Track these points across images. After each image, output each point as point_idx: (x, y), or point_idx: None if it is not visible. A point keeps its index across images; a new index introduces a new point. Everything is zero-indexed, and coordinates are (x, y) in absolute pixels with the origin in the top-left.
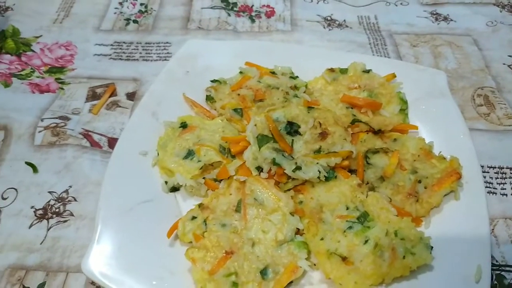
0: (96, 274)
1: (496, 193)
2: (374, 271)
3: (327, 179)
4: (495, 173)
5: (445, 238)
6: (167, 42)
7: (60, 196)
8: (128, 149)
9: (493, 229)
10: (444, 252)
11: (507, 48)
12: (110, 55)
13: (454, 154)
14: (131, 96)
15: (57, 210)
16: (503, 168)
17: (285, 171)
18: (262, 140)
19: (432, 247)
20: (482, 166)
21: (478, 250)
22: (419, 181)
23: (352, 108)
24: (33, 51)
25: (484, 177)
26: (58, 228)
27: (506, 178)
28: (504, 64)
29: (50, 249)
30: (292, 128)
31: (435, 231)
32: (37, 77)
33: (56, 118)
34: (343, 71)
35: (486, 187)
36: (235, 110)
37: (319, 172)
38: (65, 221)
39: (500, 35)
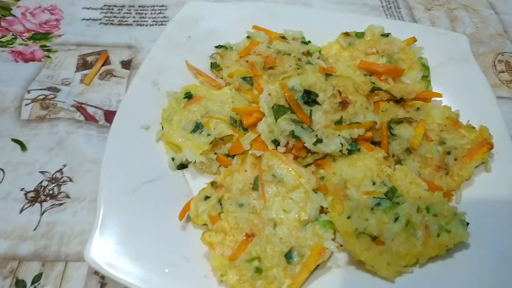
0: (101, 263)
1: None
2: (407, 250)
3: (349, 152)
4: None
5: (478, 213)
6: (162, 5)
7: (54, 176)
8: (128, 122)
9: None
10: (478, 228)
11: None
12: (100, 19)
13: (481, 123)
14: (126, 64)
15: (50, 192)
16: None
17: (304, 144)
18: (278, 110)
19: (468, 223)
20: (510, 136)
21: None
22: (448, 153)
23: (370, 75)
24: (13, 15)
25: None
26: (53, 212)
27: None
28: None
29: (45, 236)
30: (310, 97)
31: (467, 205)
32: (20, 44)
33: (44, 89)
34: (360, 35)
35: None
36: (244, 78)
37: (341, 144)
38: (60, 204)
39: None
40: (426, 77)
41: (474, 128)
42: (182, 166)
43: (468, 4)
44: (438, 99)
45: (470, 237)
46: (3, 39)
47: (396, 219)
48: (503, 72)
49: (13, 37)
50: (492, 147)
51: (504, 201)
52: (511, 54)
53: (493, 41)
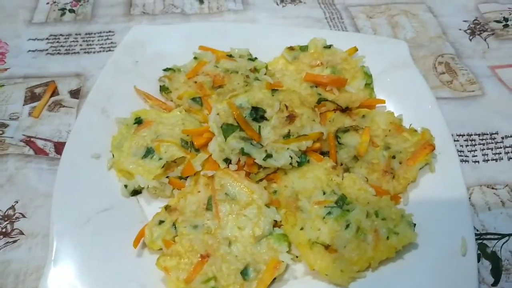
0: None
1: (468, 161)
2: (359, 256)
3: (299, 164)
4: (464, 141)
5: (425, 213)
6: (109, 31)
7: (6, 213)
8: (78, 153)
9: (469, 198)
10: (426, 228)
11: (462, 13)
12: (46, 50)
13: (424, 125)
14: (75, 93)
15: (3, 230)
16: (472, 135)
17: (255, 160)
18: (227, 129)
19: (415, 224)
20: (452, 135)
21: (460, 222)
22: (393, 157)
23: (316, 87)
24: None
25: (455, 146)
26: (7, 250)
27: (476, 145)
28: (460, 29)
29: (1, 275)
30: (258, 114)
31: (414, 207)
32: None
33: None
34: (303, 48)
35: (458, 155)
36: (193, 99)
37: (291, 157)
38: (14, 241)
39: (454, 0)
40: (369, 85)
41: (416, 131)
42: (136, 192)
43: (407, 10)
44: (382, 105)
45: (418, 237)
46: None
47: (347, 226)
48: (443, 73)
49: None
50: (434, 148)
51: (449, 199)
52: (451, 55)
53: (433, 44)
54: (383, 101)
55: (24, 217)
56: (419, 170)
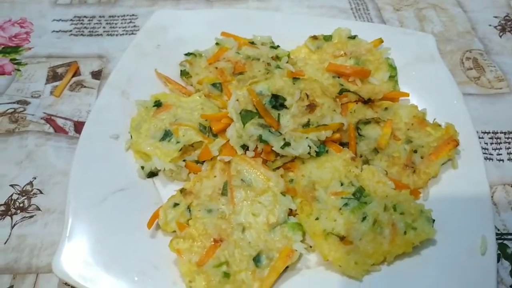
0: (70, 273)
1: (492, 159)
2: (374, 249)
3: (318, 154)
4: (489, 138)
5: (446, 210)
6: (133, 15)
7: (24, 189)
8: (97, 132)
9: (492, 197)
10: (445, 225)
11: (492, 9)
12: (70, 31)
13: (448, 121)
14: (96, 74)
15: (21, 205)
16: (497, 133)
17: (273, 148)
18: (246, 116)
19: (433, 220)
20: (477, 132)
21: (481, 220)
22: (415, 151)
23: (339, 77)
24: None
25: (479, 142)
26: (24, 224)
27: (501, 143)
28: (490, 25)
29: (16, 249)
30: (278, 102)
31: (434, 202)
32: None
33: (14, 102)
34: (327, 38)
35: (483, 152)
36: (213, 85)
37: (309, 147)
38: (31, 217)
39: None
40: (393, 77)
41: (440, 126)
42: (152, 174)
43: (436, 3)
44: (405, 98)
45: (436, 234)
46: None
47: (364, 218)
48: (471, 69)
49: None
50: (458, 144)
51: (470, 197)
52: (479, 51)
53: (461, 39)
54: (407, 94)
55: (42, 193)
56: (441, 165)
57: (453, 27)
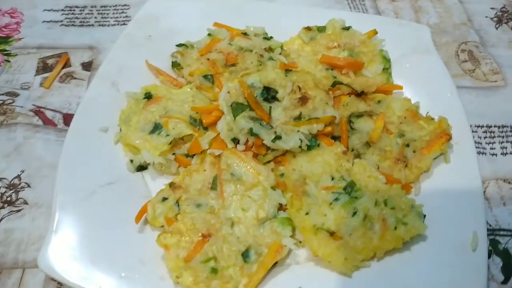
0: (55, 269)
1: (485, 153)
2: (364, 245)
3: (309, 148)
4: (483, 132)
5: (437, 205)
6: (125, 5)
7: (12, 182)
8: (86, 125)
9: (484, 192)
10: (437, 220)
11: (489, 0)
12: (61, 21)
13: (442, 114)
14: (87, 66)
15: (8, 198)
16: (491, 126)
17: (263, 141)
18: (237, 108)
19: (424, 216)
20: (470, 126)
21: (472, 216)
22: (407, 145)
23: (332, 69)
24: None
25: (473, 137)
26: (11, 219)
27: (495, 137)
28: (486, 17)
29: (3, 243)
30: (269, 94)
31: (426, 197)
32: None
33: (3, 94)
34: (321, 29)
35: (476, 147)
36: (205, 76)
37: (301, 140)
38: (18, 211)
39: None
40: (387, 70)
41: (433, 119)
42: (141, 167)
43: None
44: (399, 91)
45: (427, 229)
46: None
47: (354, 213)
48: (466, 61)
49: None
50: (450, 138)
51: (463, 191)
52: (474, 43)
53: (457, 31)
54: (400, 87)
55: (29, 187)
56: (433, 160)
57: (449, 19)
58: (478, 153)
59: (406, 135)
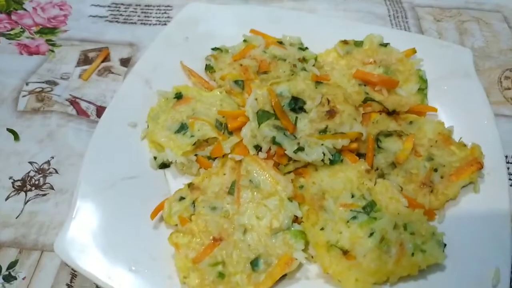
0: (69, 254)
1: None
2: (378, 267)
3: (332, 162)
4: None
5: (461, 235)
6: (168, 6)
7: (41, 167)
8: (116, 119)
9: None
10: (458, 251)
11: None
12: (106, 17)
13: (476, 141)
14: (125, 62)
15: (36, 182)
16: None
17: (286, 151)
18: (262, 116)
19: (445, 245)
20: (506, 156)
21: (497, 251)
22: (435, 170)
23: (365, 85)
24: (25, 9)
25: (508, 168)
26: (36, 202)
27: None
28: None
29: (26, 225)
30: (297, 104)
31: (449, 226)
32: (27, 37)
33: (43, 82)
34: (358, 43)
35: (510, 179)
36: (235, 81)
37: (324, 154)
38: (44, 195)
39: None
40: (422, 90)
41: (465, 145)
42: (164, 165)
43: (480, 17)
44: (433, 113)
45: (447, 259)
46: (12, 32)
47: (371, 234)
48: (509, 89)
49: (21, 30)
50: (482, 167)
51: (489, 224)
52: None
53: (503, 56)
54: (435, 109)
55: (57, 173)
56: (461, 188)
57: (495, 43)
58: None
59: (435, 160)
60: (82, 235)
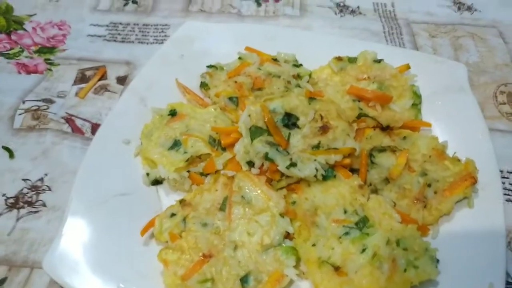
0: (58, 271)
1: None
2: (370, 284)
3: (325, 178)
4: None
5: (454, 251)
6: (165, 24)
7: (34, 184)
8: (110, 136)
9: (510, 242)
10: (452, 267)
11: None
12: (104, 36)
13: (470, 156)
14: (121, 80)
15: (29, 199)
16: None
17: (278, 167)
18: (255, 132)
19: (438, 260)
20: (501, 171)
21: (491, 266)
22: (429, 185)
23: (359, 101)
24: (24, 29)
25: (503, 183)
26: (29, 219)
27: None
28: None
29: (17, 242)
30: (290, 120)
31: (443, 242)
32: (26, 57)
33: (39, 100)
34: (352, 60)
35: (505, 194)
36: (230, 98)
37: (316, 170)
38: (36, 212)
39: None
40: (416, 106)
41: (459, 160)
42: (157, 182)
43: (475, 32)
44: (427, 129)
45: (440, 275)
46: (11, 52)
47: (363, 250)
48: (504, 103)
49: (20, 50)
50: (476, 182)
51: (483, 239)
52: None
53: (498, 71)
54: (429, 125)
55: (50, 190)
56: (455, 203)
57: (491, 59)
58: (508, 200)
59: (429, 175)
60: (71, 252)
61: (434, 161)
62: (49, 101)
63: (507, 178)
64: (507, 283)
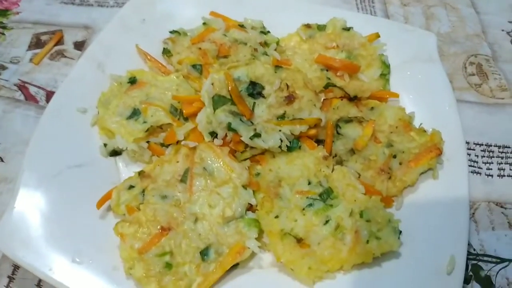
0: (9, 246)
1: (480, 173)
2: (332, 256)
3: (289, 149)
4: (481, 150)
5: (418, 222)
6: None
7: None
8: (65, 104)
9: (473, 214)
10: (414, 238)
11: (508, 13)
12: None
13: (437, 128)
14: (79, 45)
15: None
16: (491, 145)
17: (242, 138)
18: (218, 101)
19: (400, 232)
20: (468, 143)
21: (453, 238)
22: (394, 156)
23: (327, 70)
24: None
25: (469, 154)
26: None
27: (493, 157)
28: (502, 30)
29: None
30: (255, 90)
31: (407, 213)
32: None
33: None
34: (321, 27)
35: (470, 166)
36: (193, 66)
37: (281, 140)
38: None
39: None
40: (384, 76)
41: (425, 131)
42: (115, 153)
43: (447, 2)
44: (395, 99)
45: (402, 247)
46: None
47: (326, 222)
48: (473, 75)
49: None
50: (441, 153)
51: (447, 211)
52: (485, 57)
53: (468, 42)
54: (396, 95)
55: (2, 161)
56: (420, 174)
57: (462, 29)
58: (473, 172)
59: (395, 146)
60: (23, 226)
61: (400, 132)
62: (1, 67)
63: (473, 149)
64: (469, 253)
